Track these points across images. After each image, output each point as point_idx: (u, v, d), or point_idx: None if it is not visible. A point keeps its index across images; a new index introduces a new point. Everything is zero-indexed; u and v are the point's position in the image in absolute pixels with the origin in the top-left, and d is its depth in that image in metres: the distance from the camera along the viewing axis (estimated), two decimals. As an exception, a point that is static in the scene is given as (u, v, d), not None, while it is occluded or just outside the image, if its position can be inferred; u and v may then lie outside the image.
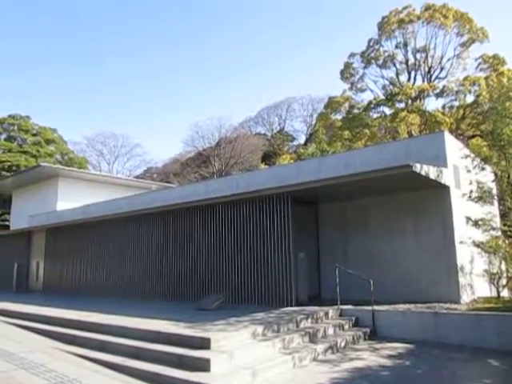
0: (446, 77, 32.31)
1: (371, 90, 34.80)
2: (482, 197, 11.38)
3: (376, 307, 9.96)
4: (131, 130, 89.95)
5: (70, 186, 26.43)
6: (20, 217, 28.57)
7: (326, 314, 9.94)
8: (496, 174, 12.05)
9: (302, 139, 55.94)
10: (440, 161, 11.10)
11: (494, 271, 11.49)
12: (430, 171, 9.85)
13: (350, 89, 35.39)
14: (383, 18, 32.59)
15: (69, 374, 6.46)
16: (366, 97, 35.28)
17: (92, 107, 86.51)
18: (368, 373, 6.82)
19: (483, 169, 11.47)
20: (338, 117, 35.45)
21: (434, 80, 32.65)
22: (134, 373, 6.57)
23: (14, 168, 39.49)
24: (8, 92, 78.67)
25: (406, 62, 33.24)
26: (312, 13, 75.60)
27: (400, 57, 33.30)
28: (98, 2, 77.81)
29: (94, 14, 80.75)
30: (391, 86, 33.47)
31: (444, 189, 11.07)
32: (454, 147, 11.99)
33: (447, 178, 10.90)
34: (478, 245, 11.01)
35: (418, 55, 32.81)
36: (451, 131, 25.20)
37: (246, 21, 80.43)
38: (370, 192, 12.11)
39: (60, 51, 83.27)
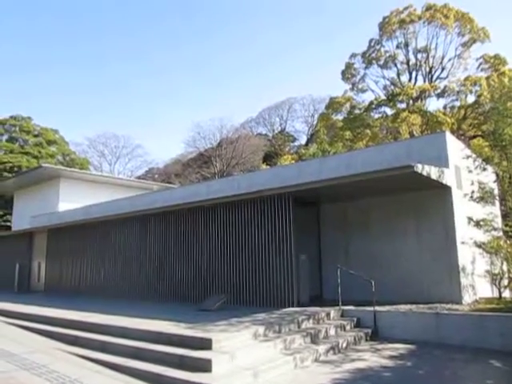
0: (447, 77, 32.33)
1: (372, 91, 34.85)
2: (484, 197, 11.36)
3: (377, 308, 9.95)
4: (132, 130, 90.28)
5: (71, 187, 26.47)
6: (22, 218, 28.61)
7: (328, 314, 9.94)
8: (497, 175, 12.03)
9: (303, 140, 56.02)
10: (441, 161, 11.09)
11: (496, 272, 11.46)
12: (432, 172, 9.84)
13: (351, 89, 35.41)
14: (384, 18, 32.59)
15: (70, 375, 6.47)
16: (367, 97, 35.35)
17: (93, 108, 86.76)
18: (370, 374, 6.81)
19: (485, 169, 11.45)
20: (340, 117, 35.46)
21: (435, 80, 32.63)
22: (136, 373, 6.58)
23: (15, 169, 39.57)
24: (10, 93, 78.95)
25: (407, 62, 33.22)
26: (313, 13, 75.68)
27: (401, 57, 33.31)
28: (99, 2, 77.99)
29: (95, 15, 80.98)
30: (392, 87, 33.45)
31: (445, 189, 11.05)
32: (455, 147, 11.97)
33: (449, 178, 10.88)
34: (479, 245, 10.98)
35: (419, 55, 32.81)
36: (452, 131, 25.17)
37: (247, 21, 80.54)
38: (372, 192, 12.09)
39: (61, 52, 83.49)
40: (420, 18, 31.41)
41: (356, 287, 10.74)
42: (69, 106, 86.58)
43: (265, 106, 63.18)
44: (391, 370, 6.98)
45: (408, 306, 10.10)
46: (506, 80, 27.49)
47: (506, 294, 11.89)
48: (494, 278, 11.52)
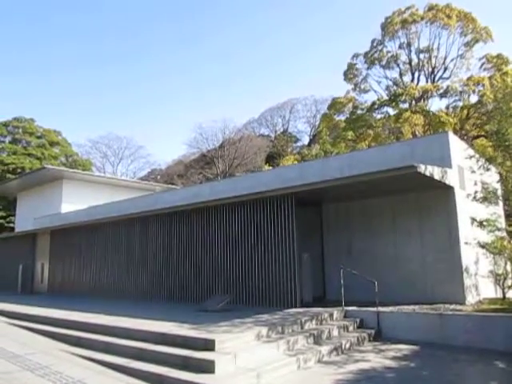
0: (449, 77, 32.20)
1: (375, 91, 34.74)
2: (487, 197, 11.33)
3: (381, 308, 9.93)
4: (135, 132, 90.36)
5: (74, 188, 26.55)
6: (25, 219, 28.70)
7: (331, 315, 9.92)
8: (501, 175, 11.98)
9: (305, 140, 56.03)
10: (444, 161, 11.06)
11: (500, 272, 11.43)
12: (435, 172, 9.81)
13: (354, 89, 35.31)
14: (386, 18, 32.52)
15: (74, 376, 6.48)
16: (369, 97, 35.27)
17: (96, 110, 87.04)
18: (373, 374, 6.79)
19: (488, 169, 11.41)
20: (342, 118, 35.39)
21: (438, 80, 32.54)
22: (139, 374, 6.58)
23: (18, 170, 39.71)
24: (13, 95, 79.25)
25: (410, 63, 33.14)
26: (315, 14, 75.64)
27: (403, 57, 33.21)
28: (100, 4, 78.19)
29: (96, 16, 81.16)
30: (395, 87, 33.35)
31: (449, 189, 11.03)
32: (458, 148, 11.94)
33: (452, 178, 10.85)
34: (483, 245, 10.94)
35: (422, 55, 32.71)
36: (455, 132, 25.12)
37: (250, 23, 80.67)
38: (374, 193, 12.07)
39: (63, 54, 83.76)
40: (422, 18, 31.32)
41: (359, 287, 10.72)
42: (71, 107, 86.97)
43: (267, 106, 63.37)
44: (395, 371, 6.96)
45: (411, 307, 10.08)
46: (508, 80, 27.40)
47: (510, 294, 11.84)
48: (498, 279, 11.48)
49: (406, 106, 31.14)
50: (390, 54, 33.07)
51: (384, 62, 33.26)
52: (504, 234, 11.60)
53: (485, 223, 11.10)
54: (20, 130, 45.47)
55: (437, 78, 32.65)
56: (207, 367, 6.30)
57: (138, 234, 16.21)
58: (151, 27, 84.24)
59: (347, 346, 8.55)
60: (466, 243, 10.90)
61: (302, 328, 8.80)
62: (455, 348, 8.51)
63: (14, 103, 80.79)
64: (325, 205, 13.79)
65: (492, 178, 12.07)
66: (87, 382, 6.22)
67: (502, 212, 14.13)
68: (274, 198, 11.84)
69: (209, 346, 6.92)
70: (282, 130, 58.43)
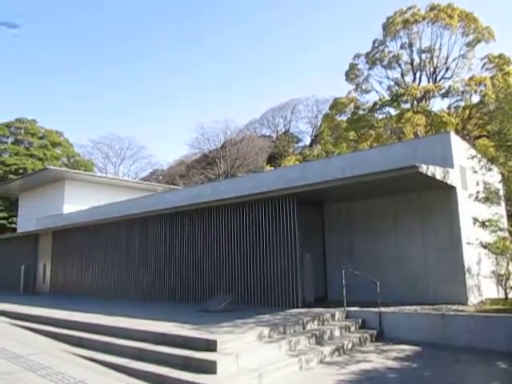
0: (451, 77, 32.15)
1: (376, 91, 34.72)
2: (489, 197, 11.30)
3: (383, 309, 9.91)
4: (136, 132, 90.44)
5: (76, 189, 26.59)
6: (27, 219, 28.76)
7: (333, 315, 9.90)
8: (503, 175, 11.96)
9: (307, 140, 56.01)
10: (446, 161, 11.04)
11: (502, 272, 11.38)
12: (437, 172, 9.80)
13: (355, 90, 35.30)
14: (388, 18, 32.50)
15: (76, 376, 6.49)
16: (371, 98, 35.21)
17: (97, 110, 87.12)
18: (375, 375, 6.78)
19: (490, 169, 11.39)
20: (344, 118, 35.37)
21: (440, 80, 32.49)
22: (140, 375, 6.58)
23: (21, 171, 39.82)
24: (14, 96, 79.46)
25: (411, 63, 33.11)
26: (315, 14, 75.63)
27: (405, 57, 33.18)
28: (101, 5, 78.36)
29: (96, 17, 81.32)
30: (396, 87, 33.32)
31: (450, 189, 11.00)
32: (460, 148, 11.92)
33: (454, 178, 10.83)
34: (485, 246, 10.91)
35: (423, 55, 32.68)
36: (457, 132, 25.07)
37: (251, 22, 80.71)
38: (376, 193, 12.05)
39: (64, 55, 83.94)
40: (424, 18, 31.29)
41: (361, 288, 10.70)
42: (73, 108, 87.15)
43: (268, 107, 63.33)
44: (397, 372, 6.95)
45: (413, 307, 10.06)
46: (510, 80, 27.37)
47: (512, 294, 11.81)
48: (500, 279, 11.44)
49: (408, 106, 31.10)
50: (391, 54, 33.05)
51: (385, 62, 33.24)
52: (506, 234, 11.56)
53: (487, 223, 11.08)
54: (22, 131, 45.59)
55: (438, 78, 32.62)
56: (209, 368, 6.30)
57: (140, 234, 16.22)
58: (151, 27, 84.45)
59: (349, 346, 8.53)
60: (468, 243, 10.87)
61: (303, 328, 8.79)
62: (457, 348, 8.49)
63: (16, 105, 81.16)
64: (326, 205, 13.78)
65: (494, 178, 12.04)
66: (89, 383, 6.22)
67: (504, 212, 14.10)
68: (276, 199, 11.84)
69: (210, 346, 6.91)
70: (283, 130, 58.43)
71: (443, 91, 30.95)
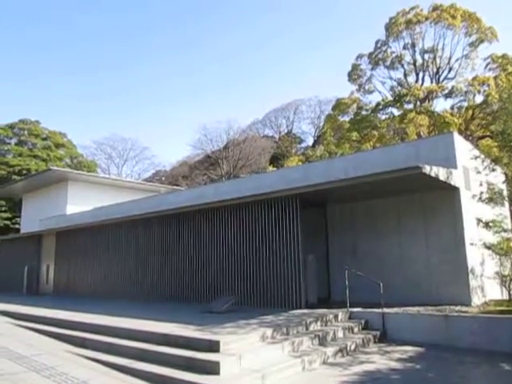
0: (454, 77, 32.05)
1: (379, 92, 34.65)
2: (493, 198, 11.26)
3: (386, 310, 9.89)
4: (140, 133, 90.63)
5: (79, 190, 26.67)
6: (30, 220, 28.87)
7: (336, 316, 9.89)
8: (507, 175, 11.92)
9: (310, 141, 55.99)
10: (449, 162, 11.02)
11: (506, 273, 11.34)
12: (440, 172, 9.77)
13: (358, 90, 35.24)
14: (390, 19, 32.44)
15: (79, 377, 6.50)
16: (373, 98, 35.26)
17: (101, 111, 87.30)
18: (378, 376, 6.76)
19: (493, 170, 11.35)
20: (346, 118, 35.31)
21: (443, 81, 32.40)
22: (143, 375, 6.59)
23: (24, 172, 39.98)
24: (18, 98, 79.75)
25: (414, 63, 33.02)
26: (318, 16, 75.63)
27: (408, 58, 33.10)
28: (102, 6, 78.60)
29: (98, 19, 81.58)
30: (399, 87, 33.24)
31: (454, 190, 10.97)
32: (463, 148, 11.89)
33: (457, 179, 10.81)
34: (488, 247, 10.88)
35: (426, 56, 32.59)
36: (460, 132, 25.01)
37: (254, 24, 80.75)
38: (379, 193, 12.03)
39: (66, 57, 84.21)
40: (427, 19, 31.21)
41: (364, 288, 10.68)
42: (76, 109, 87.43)
43: (271, 107, 63.16)
44: (400, 373, 6.93)
45: (416, 308, 10.03)
46: (514, 80, 27.25)
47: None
48: (504, 280, 11.40)
49: (411, 106, 31.03)
50: (394, 55, 32.99)
51: (388, 63, 33.17)
52: (510, 235, 11.52)
53: (491, 224, 11.05)
54: (26, 132, 45.77)
55: (441, 79, 32.53)
56: (212, 368, 6.30)
57: (143, 235, 16.24)
58: (154, 30, 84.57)
59: (352, 347, 8.52)
60: (472, 244, 10.84)
61: (306, 329, 8.78)
62: (461, 350, 8.46)
63: (20, 106, 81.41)
64: (329, 206, 13.77)
65: (498, 178, 12.00)
66: (92, 383, 6.23)
67: (507, 213, 14.03)
68: (279, 199, 11.84)
69: (213, 347, 6.92)
70: (286, 130, 58.44)
71: (446, 91, 30.88)
